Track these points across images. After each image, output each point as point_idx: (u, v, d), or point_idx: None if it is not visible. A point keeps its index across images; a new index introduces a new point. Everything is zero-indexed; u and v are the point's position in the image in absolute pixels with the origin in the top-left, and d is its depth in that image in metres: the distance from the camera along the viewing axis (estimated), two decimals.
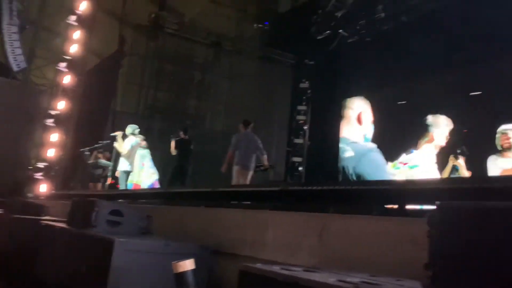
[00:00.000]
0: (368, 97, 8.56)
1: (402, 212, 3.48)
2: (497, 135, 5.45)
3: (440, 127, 5.17)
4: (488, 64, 6.89)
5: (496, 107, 6.69)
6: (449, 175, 5.28)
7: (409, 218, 2.79)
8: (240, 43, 9.47)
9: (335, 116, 8.96)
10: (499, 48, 6.42)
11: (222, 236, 4.11)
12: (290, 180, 8.35)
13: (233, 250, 3.92)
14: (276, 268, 2.38)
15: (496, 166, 5.26)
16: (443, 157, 5.33)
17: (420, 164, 5.04)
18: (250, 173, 8.76)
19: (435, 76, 7.67)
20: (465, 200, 2.26)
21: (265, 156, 8.77)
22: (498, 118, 5.80)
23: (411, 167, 5.05)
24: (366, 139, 5.06)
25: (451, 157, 5.43)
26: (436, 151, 5.22)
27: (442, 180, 4.15)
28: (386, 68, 7.92)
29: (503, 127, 5.44)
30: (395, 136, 6.52)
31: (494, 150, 5.46)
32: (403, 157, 5.21)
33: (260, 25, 8.51)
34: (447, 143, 5.27)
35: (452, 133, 5.34)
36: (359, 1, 7.38)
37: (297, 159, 8.53)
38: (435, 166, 5.24)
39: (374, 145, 4.90)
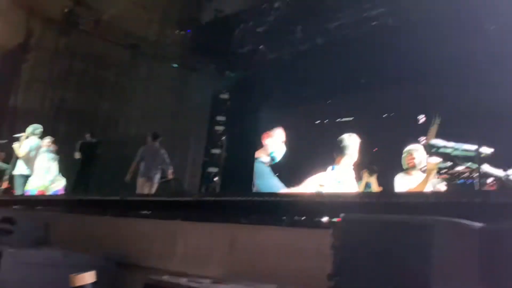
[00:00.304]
0: (284, 115, 8.95)
1: (312, 223, 3.61)
2: (403, 155, 5.91)
3: (354, 146, 5.46)
4: (396, 88, 7.52)
5: (404, 128, 7.31)
6: (363, 190, 5.71)
7: (315, 230, 2.90)
8: (160, 48, 9.24)
9: (252, 129, 9.15)
10: (405, 73, 7.06)
11: (128, 247, 3.91)
12: (205, 190, 8.27)
13: (140, 261, 3.75)
14: (183, 281, 2.31)
15: (402, 184, 5.72)
16: (357, 174, 5.72)
17: (342, 180, 5.34)
18: (155, 185, 8.84)
19: (348, 97, 8.17)
20: (370, 213, 2.42)
21: (170, 170, 8.91)
22: (405, 139, 6.34)
23: (338, 182, 5.30)
24: (272, 158, 5.56)
25: (365, 174, 5.84)
26: (352, 167, 5.55)
27: (348, 194, 4.40)
28: (302, 87, 8.28)
29: (408, 147, 5.92)
30: (311, 154, 6.84)
31: (401, 168, 5.92)
32: (326, 173, 5.44)
33: (182, 32, 8.39)
34: (360, 160, 5.64)
35: (364, 152, 5.71)
36: (281, 19, 7.63)
37: (213, 169, 8.49)
38: (355, 181, 5.62)
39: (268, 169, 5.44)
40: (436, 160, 5.75)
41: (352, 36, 7.24)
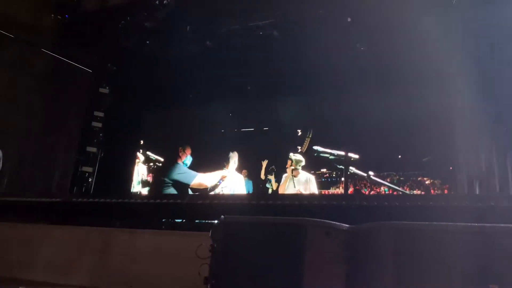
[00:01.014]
0: (166, 115, 8.83)
1: (191, 226, 3.54)
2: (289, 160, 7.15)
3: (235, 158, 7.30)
4: (280, 97, 7.95)
5: (289, 137, 7.95)
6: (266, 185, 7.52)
7: (194, 232, 2.85)
8: (32, 32, 8.25)
9: (133, 127, 8.72)
10: (286, 85, 7.54)
11: None
12: (77, 191, 7.57)
13: None
14: None
15: (285, 185, 7.07)
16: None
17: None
18: None
19: (234, 103, 8.33)
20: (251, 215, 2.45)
21: None
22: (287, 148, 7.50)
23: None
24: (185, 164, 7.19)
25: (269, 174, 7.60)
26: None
27: (228, 196, 4.45)
28: (187, 88, 8.17)
29: (290, 154, 7.24)
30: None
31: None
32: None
33: (60, 17, 7.59)
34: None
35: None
36: (171, 18, 7.42)
37: (87, 169, 7.81)
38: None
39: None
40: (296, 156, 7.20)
41: (241, 43, 7.39)
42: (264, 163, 7.71)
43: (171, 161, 7.32)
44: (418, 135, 6.49)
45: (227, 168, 7.24)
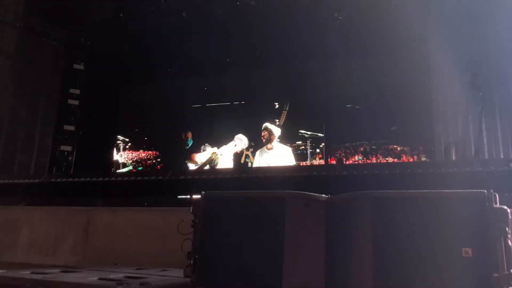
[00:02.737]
0: (144, 90, 8.70)
1: (173, 202, 3.55)
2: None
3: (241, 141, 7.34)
4: (258, 69, 7.90)
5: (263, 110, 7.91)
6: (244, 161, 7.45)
7: (175, 208, 2.86)
8: None
9: (111, 104, 8.55)
10: (264, 56, 7.47)
11: None
12: (57, 171, 7.46)
13: None
14: (25, 273, 2.04)
15: (261, 158, 7.00)
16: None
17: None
18: None
19: (214, 75, 8.24)
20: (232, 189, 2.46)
21: None
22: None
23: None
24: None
25: (245, 151, 7.53)
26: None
27: (209, 171, 4.46)
28: (165, 61, 8.01)
29: (264, 124, 7.25)
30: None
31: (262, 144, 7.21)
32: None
33: None
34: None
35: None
36: None
37: (66, 148, 7.68)
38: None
39: None
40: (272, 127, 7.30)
41: (217, 13, 7.22)
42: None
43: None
44: (392, 105, 6.63)
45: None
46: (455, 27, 4.98)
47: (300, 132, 7.52)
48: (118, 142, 8.92)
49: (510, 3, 4.60)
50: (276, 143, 6.88)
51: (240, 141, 7.19)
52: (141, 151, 8.86)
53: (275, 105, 7.95)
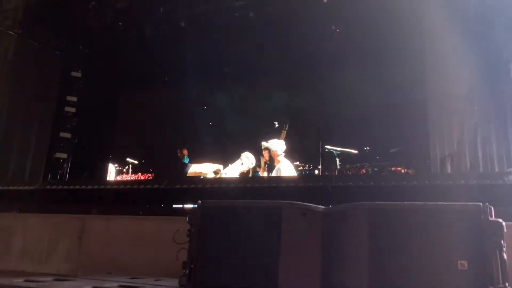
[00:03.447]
0: (143, 98, 8.64)
1: (169, 211, 3.53)
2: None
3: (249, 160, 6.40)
4: (258, 82, 7.88)
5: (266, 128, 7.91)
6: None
7: (172, 217, 2.85)
8: None
9: (107, 112, 8.53)
10: (262, 69, 7.47)
11: None
12: (52, 178, 7.40)
13: None
14: (18, 281, 2.02)
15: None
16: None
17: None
18: None
19: (212, 86, 8.22)
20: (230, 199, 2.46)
21: None
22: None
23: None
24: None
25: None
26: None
27: (206, 180, 4.44)
28: (163, 69, 8.03)
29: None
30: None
31: None
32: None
33: None
34: None
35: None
36: None
37: (61, 155, 7.63)
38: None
39: None
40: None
41: (216, 24, 7.27)
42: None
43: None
44: (387, 125, 6.62)
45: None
46: (451, 41, 5.04)
47: (327, 148, 7.27)
48: (119, 167, 9.00)
49: (503, 20, 4.66)
50: (282, 159, 5.83)
51: (247, 160, 6.41)
52: (139, 173, 8.95)
53: (275, 124, 7.92)
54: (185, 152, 7.95)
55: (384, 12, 5.64)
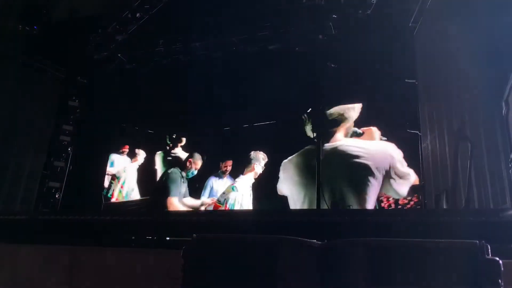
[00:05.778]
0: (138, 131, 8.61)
1: (163, 244, 3.47)
2: None
3: (259, 161, 6.42)
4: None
5: None
6: None
7: (166, 250, 2.80)
8: None
9: (103, 141, 8.52)
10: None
11: None
12: (43, 207, 7.30)
13: None
14: None
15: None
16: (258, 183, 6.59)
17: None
18: None
19: (209, 116, 8.22)
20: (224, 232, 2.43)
21: None
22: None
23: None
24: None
25: None
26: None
27: (200, 213, 4.41)
28: (160, 102, 8.08)
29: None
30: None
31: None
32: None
33: (27, 28, 7.40)
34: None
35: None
36: (142, 30, 7.38)
37: (54, 184, 7.56)
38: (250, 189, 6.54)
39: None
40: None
41: (214, 57, 7.42)
42: None
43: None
44: None
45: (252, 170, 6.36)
46: (443, 76, 5.15)
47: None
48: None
49: (496, 49, 4.75)
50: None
51: (257, 160, 6.06)
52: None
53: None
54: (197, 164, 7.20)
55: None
